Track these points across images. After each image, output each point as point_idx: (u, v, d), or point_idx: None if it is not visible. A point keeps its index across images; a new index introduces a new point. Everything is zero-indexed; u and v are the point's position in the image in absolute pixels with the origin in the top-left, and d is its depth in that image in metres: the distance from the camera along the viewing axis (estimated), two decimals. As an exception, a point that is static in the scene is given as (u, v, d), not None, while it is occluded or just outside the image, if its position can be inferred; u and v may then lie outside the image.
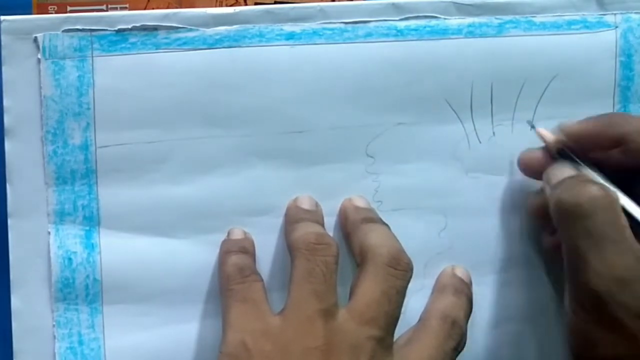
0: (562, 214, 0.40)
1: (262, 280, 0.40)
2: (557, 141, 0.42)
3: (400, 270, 0.39)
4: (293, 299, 0.38)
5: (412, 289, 0.40)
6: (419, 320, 0.42)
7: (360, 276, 0.39)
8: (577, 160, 0.42)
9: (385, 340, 0.38)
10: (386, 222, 0.42)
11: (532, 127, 0.44)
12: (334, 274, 0.38)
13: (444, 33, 0.43)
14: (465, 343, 0.41)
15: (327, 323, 0.37)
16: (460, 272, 0.44)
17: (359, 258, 0.40)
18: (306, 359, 0.37)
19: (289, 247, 0.40)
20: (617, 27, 0.45)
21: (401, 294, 0.39)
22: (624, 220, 0.39)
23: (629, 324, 0.37)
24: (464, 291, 0.43)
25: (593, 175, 0.41)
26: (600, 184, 0.39)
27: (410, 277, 0.39)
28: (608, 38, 0.45)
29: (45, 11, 0.41)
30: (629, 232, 0.38)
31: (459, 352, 0.41)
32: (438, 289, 0.43)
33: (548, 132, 0.43)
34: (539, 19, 0.44)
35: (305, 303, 0.38)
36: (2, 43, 0.39)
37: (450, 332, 0.40)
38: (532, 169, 0.43)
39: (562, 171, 0.41)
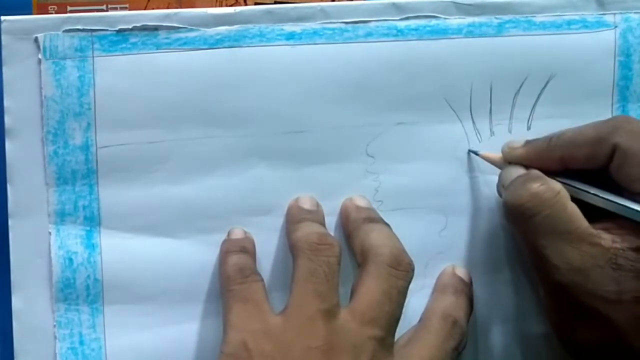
0: (511, 216, 0.41)
1: (262, 280, 0.40)
2: (501, 159, 0.43)
3: (402, 270, 0.39)
4: (295, 299, 0.38)
5: (413, 288, 0.40)
6: (420, 320, 0.42)
7: (361, 276, 0.39)
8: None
9: (386, 340, 0.38)
10: (387, 221, 0.42)
11: (476, 153, 0.44)
12: (336, 274, 0.38)
13: (444, 33, 0.43)
14: (466, 343, 0.42)
15: (329, 323, 0.37)
16: (460, 272, 0.44)
17: (360, 258, 0.40)
18: (307, 359, 0.37)
19: (291, 247, 0.40)
20: (616, 26, 0.45)
21: (402, 294, 0.39)
22: (571, 209, 0.39)
23: (599, 308, 0.38)
24: (465, 291, 0.43)
25: (538, 172, 0.41)
26: (542, 180, 0.40)
27: (412, 277, 0.39)
28: (607, 38, 0.45)
29: (45, 11, 0.41)
30: (579, 219, 0.39)
31: (460, 351, 0.41)
32: (438, 288, 0.43)
33: (491, 154, 0.44)
34: (538, 18, 0.44)
35: (306, 303, 0.38)
36: (3, 43, 0.39)
37: (451, 332, 0.40)
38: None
39: (512, 172, 0.42)
